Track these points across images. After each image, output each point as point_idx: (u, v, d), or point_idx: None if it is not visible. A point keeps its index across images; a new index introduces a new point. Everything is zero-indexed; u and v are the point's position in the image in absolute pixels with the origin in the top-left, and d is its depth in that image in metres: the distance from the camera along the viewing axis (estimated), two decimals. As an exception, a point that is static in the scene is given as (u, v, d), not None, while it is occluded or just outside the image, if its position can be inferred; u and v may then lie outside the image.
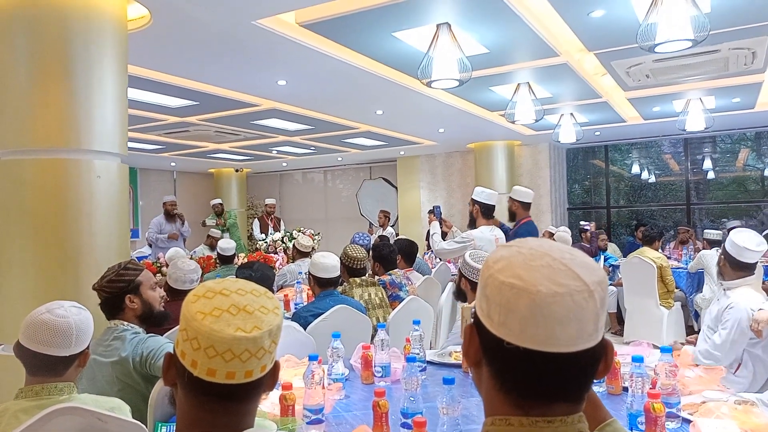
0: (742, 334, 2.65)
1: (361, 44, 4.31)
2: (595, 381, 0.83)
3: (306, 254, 5.47)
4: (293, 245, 5.89)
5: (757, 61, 5.04)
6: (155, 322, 2.31)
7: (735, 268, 2.85)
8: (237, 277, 3.43)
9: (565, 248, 0.81)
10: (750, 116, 7.62)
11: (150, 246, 8.11)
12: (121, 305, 2.23)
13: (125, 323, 2.22)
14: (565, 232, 7.07)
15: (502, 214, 4.67)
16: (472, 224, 4.21)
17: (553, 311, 0.73)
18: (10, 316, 2.72)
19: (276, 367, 1.04)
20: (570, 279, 0.75)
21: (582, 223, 7.98)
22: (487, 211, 4.18)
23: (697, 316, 5.92)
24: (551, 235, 6.84)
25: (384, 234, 8.10)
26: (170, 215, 7.64)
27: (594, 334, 0.76)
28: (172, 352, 1.02)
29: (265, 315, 0.99)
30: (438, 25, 3.81)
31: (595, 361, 0.78)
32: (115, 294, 2.22)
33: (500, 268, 0.79)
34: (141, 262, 4.98)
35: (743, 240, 2.83)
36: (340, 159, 11.18)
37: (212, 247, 7.68)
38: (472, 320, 0.86)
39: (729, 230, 3.51)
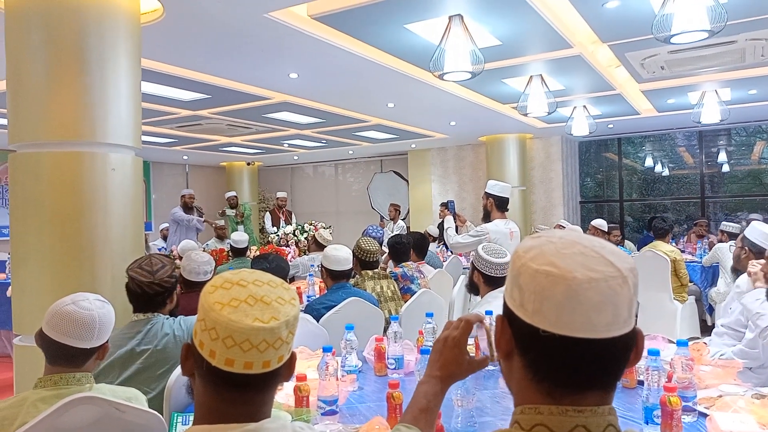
0: None
1: (372, 37, 4.29)
2: None
3: (323, 247, 5.48)
4: (312, 236, 5.90)
5: (774, 52, 4.96)
6: (174, 316, 2.35)
7: (761, 259, 2.81)
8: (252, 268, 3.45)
9: (592, 238, 0.82)
10: (766, 108, 7.52)
11: (164, 239, 8.20)
12: (169, 298, 2.28)
13: (159, 314, 2.27)
14: (575, 226, 7.03)
15: (514, 207, 4.61)
16: (487, 218, 4.18)
17: (589, 297, 0.74)
18: (26, 308, 2.75)
19: (292, 358, 1.05)
20: (604, 265, 0.76)
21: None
22: (501, 204, 4.15)
23: (711, 310, 5.86)
24: (563, 229, 6.80)
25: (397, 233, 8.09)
26: (188, 207, 7.75)
27: (628, 320, 0.77)
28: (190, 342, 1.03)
29: (282, 306, 1.00)
30: (450, 17, 3.78)
31: (628, 348, 0.78)
32: (169, 288, 2.26)
33: (533, 257, 0.79)
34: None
35: None
36: (351, 152, 11.17)
37: (221, 239, 7.75)
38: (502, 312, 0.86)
39: (748, 222, 3.46)
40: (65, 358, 1.67)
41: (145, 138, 8.02)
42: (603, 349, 0.76)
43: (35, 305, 2.65)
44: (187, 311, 2.37)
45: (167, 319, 2.25)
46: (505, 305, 0.85)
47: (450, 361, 1.15)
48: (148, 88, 5.36)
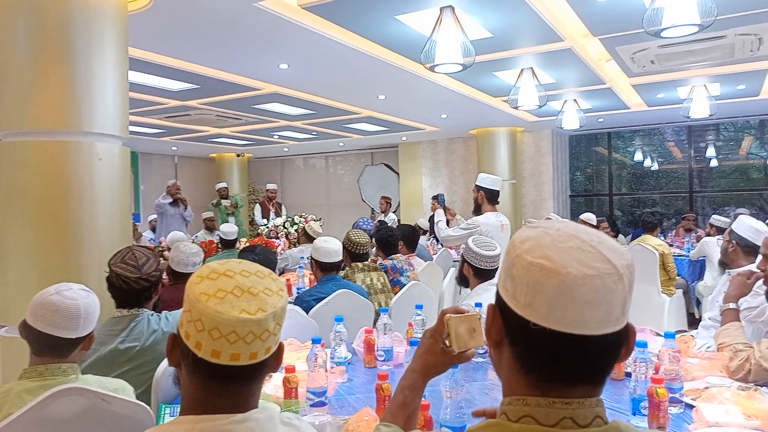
0: None
1: (363, 27, 4.27)
2: None
3: (312, 239, 5.46)
4: (302, 229, 5.88)
5: (763, 48, 4.99)
6: (156, 307, 2.32)
7: (748, 252, 2.83)
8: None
9: (591, 231, 0.80)
10: (755, 104, 7.58)
11: (153, 230, 8.15)
12: (154, 292, 2.22)
13: (144, 309, 2.21)
14: (565, 220, 7.05)
15: (504, 200, 4.60)
16: (477, 211, 4.18)
17: (582, 293, 0.72)
18: (12, 299, 2.72)
19: (280, 349, 1.04)
20: (599, 262, 0.74)
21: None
22: (492, 197, 4.15)
23: (698, 303, 5.92)
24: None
25: (383, 220, 8.08)
26: (174, 199, 7.71)
27: (621, 317, 0.76)
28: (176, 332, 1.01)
29: (269, 297, 0.98)
30: (442, 8, 3.77)
31: (619, 345, 0.78)
32: (155, 282, 2.19)
33: (528, 249, 0.77)
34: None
35: (759, 223, 2.83)
36: (341, 144, 11.13)
37: (210, 230, 7.71)
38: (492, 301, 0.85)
39: (735, 216, 3.49)
40: (50, 348, 1.65)
41: (133, 128, 7.94)
42: (593, 346, 0.75)
43: (21, 296, 2.61)
44: (175, 303, 2.34)
45: (152, 315, 2.20)
46: (497, 294, 0.84)
47: (427, 351, 1.16)
48: (136, 77, 5.29)
